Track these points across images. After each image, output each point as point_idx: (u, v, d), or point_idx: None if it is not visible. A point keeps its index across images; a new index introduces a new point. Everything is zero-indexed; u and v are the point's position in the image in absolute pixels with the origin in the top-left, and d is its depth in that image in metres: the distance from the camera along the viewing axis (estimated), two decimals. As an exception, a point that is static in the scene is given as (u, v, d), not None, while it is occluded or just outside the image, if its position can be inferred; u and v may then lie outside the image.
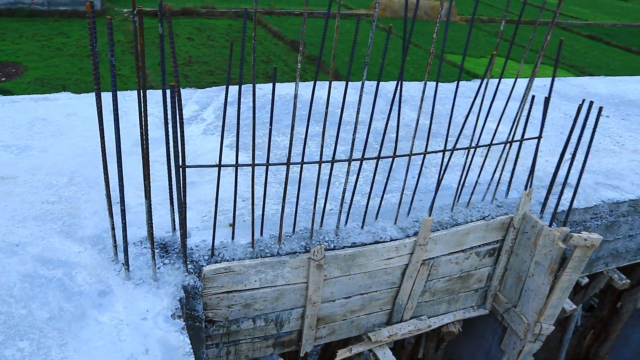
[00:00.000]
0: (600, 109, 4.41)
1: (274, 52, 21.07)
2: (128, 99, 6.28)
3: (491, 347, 5.73)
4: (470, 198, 4.90)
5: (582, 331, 9.16)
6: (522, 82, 7.86)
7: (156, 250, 3.90)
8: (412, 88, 7.80)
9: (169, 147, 3.58)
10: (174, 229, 4.10)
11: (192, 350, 3.23)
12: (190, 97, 6.66)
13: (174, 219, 4.08)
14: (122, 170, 3.33)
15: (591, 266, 5.91)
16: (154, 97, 6.23)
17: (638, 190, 5.85)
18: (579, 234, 4.54)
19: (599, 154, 6.50)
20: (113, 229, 3.66)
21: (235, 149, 3.66)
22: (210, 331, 4.16)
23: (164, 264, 3.84)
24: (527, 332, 5.06)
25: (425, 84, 4.17)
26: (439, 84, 5.14)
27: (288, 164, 3.73)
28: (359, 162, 4.55)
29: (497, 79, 4.83)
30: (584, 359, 9.04)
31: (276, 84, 6.56)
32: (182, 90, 6.51)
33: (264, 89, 7.08)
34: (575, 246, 4.53)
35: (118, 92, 5.26)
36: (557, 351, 8.18)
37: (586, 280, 6.19)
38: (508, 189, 5.16)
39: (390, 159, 4.23)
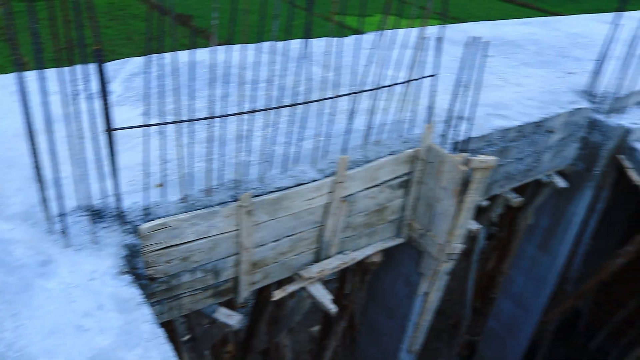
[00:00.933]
0: (487, 43, 4.91)
1: (160, 28, 20.59)
2: (29, 79, 6.12)
3: (410, 272, 6.28)
4: (378, 137, 5.31)
5: (486, 255, 10.07)
6: (413, 33, 8.36)
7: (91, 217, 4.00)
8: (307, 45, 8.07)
9: (93, 114, 3.66)
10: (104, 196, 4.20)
11: (144, 300, 3.43)
12: (93, 73, 6.57)
13: (102, 186, 4.17)
14: (54, 142, 3.42)
15: (489, 189, 6.57)
16: (54, 75, 6.11)
17: (523, 117, 6.54)
18: (477, 158, 5.09)
19: (487, 89, 7.13)
20: (45, 200, 3.73)
21: (148, 117, 3.84)
22: (153, 288, 4.34)
23: (100, 228, 3.96)
24: (441, 251, 5.62)
25: (333, 40, 4.50)
26: (334, 39, 5.47)
27: (212, 117, 3.94)
28: (274, 115, 4.81)
29: (392, 30, 5.23)
30: (489, 280, 9.97)
31: (177, 52, 6.63)
32: (80, 68, 6.44)
33: (167, 57, 7.09)
34: (475, 169, 5.08)
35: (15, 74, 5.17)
36: (466, 273, 8.99)
37: (486, 202, 6.88)
38: (411, 126, 5.62)
39: (305, 105, 4.54)
